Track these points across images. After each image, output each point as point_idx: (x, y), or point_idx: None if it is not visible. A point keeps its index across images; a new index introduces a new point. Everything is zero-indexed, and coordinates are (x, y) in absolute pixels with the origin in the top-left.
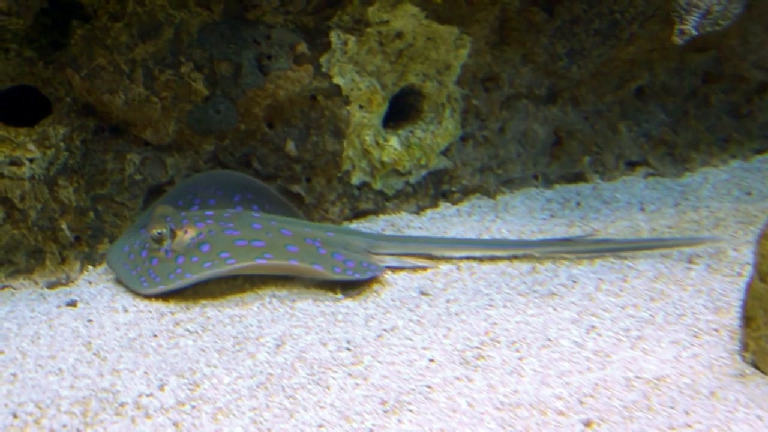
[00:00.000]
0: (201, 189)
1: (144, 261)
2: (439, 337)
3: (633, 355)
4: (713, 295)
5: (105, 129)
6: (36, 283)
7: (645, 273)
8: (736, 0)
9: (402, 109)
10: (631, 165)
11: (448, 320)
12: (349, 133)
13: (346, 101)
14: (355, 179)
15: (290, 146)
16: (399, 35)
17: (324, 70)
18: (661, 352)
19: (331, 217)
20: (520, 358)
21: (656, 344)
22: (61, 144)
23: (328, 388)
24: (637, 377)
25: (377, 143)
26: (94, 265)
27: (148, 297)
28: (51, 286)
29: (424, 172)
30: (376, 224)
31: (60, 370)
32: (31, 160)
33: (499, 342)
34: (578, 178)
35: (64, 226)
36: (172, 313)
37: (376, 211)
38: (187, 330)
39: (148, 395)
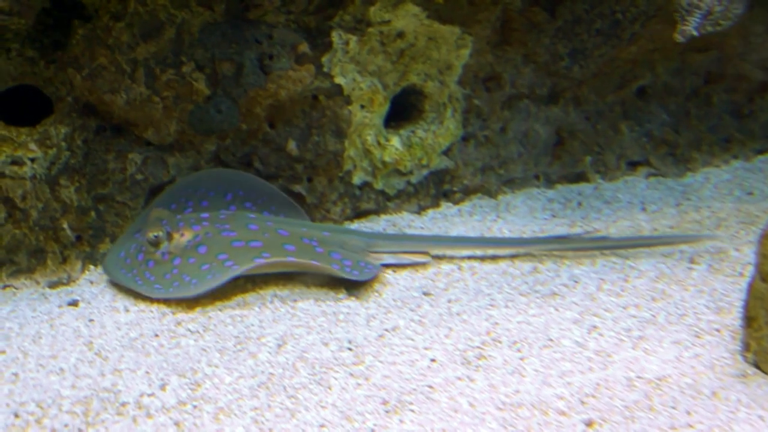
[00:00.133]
0: (192, 191)
1: (140, 264)
2: (440, 337)
3: (634, 355)
4: (715, 295)
5: (106, 128)
6: (37, 282)
7: (647, 273)
8: (738, 0)
9: (403, 109)
10: (633, 165)
11: (449, 320)
12: (350, 132)
13: (348, 101)
14: (357, 179)
15: (292, 146)
16: (400, 35)
17: (325, 69)
18: (663, 352)
19: (333, 217)
20: (521, 358)
21: (658, 344)
22: (63, 143)
23: (330, 388)
24: (639, 377)
25: (379, 143)
26: (95, 265)
27: (149, 299)
28: (52, 285)
29: (425, 171)
30: (378, 224)
31: (61, 369)
32: (32, 160)
33: (500, 342)
34: (580, 178)
35: (65, 225)
36: (174, 313)
37: (377, 211)
38: (189, 330)
39: (149, 395)
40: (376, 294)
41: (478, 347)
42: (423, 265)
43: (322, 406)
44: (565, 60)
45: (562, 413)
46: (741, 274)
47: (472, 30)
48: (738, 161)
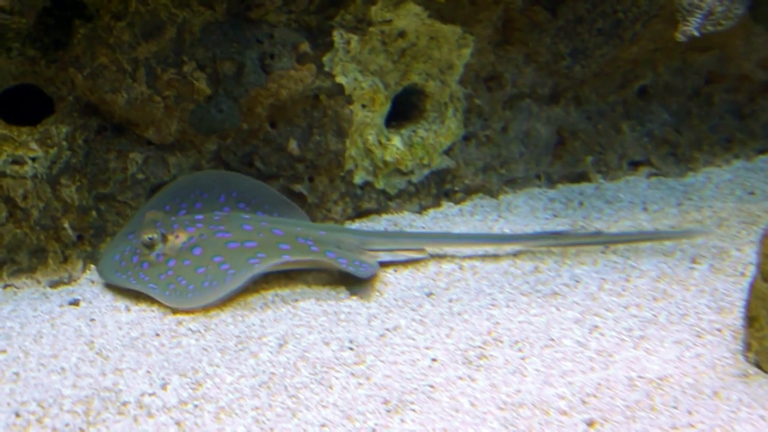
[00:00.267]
0: (185, 193)
1: (135, 266)
2: (441, 336)
3: (636, 355)
4: (716, 295)
5: (107, 128)
6: (38, 282)
7: (648, 273)
8: (739, 0)
9: (405, 109)
10: (634, 165)
11: (450, 320)
12: (351, 132)
13: (349, 100)
14: (358, 179)
15: (293, 145)
16: (402, 34)
17: (327, 69)
18: (664, 352)
19: (334, 217)
20: (522, 358)
21: (659, 344)
22: (64, 143)
23: (331, 388)
24: (640, 377)
25: (380, 142)
26: (96, 264)
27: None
28: (53, 285)
29: (426, 171)
30: (379, 224)
31: (62, 369)
32: (33, 159)
33: (501, 341)
34: (581, 177)
35: (66, 225)
36: (175, 312)
37: (378, 211)
38: (190, 329)
39: (150, 394)
40: (378, 293)
41: (480, 347)
42: (424, 264)
43: (324, 406)
44: (566, 59)
45: (564, 413)
46: (742, 274)
47: (474, 29)
48: (739, 161)
